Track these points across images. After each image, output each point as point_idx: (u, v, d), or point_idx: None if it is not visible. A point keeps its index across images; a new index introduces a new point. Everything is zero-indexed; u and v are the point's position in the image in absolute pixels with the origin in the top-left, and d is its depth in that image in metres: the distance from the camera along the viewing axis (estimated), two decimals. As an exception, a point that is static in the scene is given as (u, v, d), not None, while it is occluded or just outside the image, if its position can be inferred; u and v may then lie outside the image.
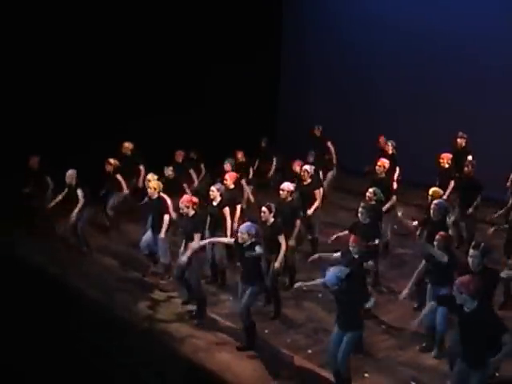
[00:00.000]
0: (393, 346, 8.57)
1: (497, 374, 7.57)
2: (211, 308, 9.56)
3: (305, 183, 11.19)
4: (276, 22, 18.56)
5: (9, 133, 13.64)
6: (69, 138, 14.25)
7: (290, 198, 10.09)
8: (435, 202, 9.50)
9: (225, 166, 12.22)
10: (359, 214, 9.50)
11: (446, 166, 12.16)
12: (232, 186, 10.95)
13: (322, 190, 11.39)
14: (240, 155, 13.79)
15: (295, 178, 11.71)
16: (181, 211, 9.29)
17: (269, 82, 18.36)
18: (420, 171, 13.95)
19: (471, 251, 7.47)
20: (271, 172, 15.12)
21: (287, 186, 10.17)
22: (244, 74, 16.80)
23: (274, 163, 15.13)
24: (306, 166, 11.41)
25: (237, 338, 8.62)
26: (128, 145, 13.51)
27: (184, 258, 9.00)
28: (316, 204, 11.01)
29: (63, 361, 8.09)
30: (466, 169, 11.65)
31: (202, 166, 14.30)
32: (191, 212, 9.20)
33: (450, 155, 12.30)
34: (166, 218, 10.06)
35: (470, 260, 7.46)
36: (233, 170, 12.03)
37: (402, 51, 16.24)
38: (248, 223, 8.40)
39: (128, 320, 9.32)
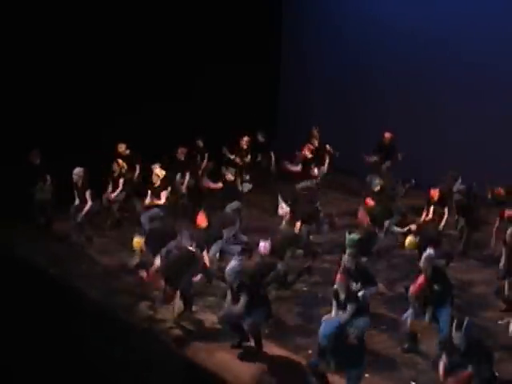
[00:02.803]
0: (393, 345, 8.59)
1: (497, 374, 7.58)
2: (211, 309, 9.58)
3: None
4: (276, 21, 18.55)
5: (8, 133, 13.63)
6: (68, 134, 14.21)
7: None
8: (424, 255, 8.77)
9: (226, 175, 12.32)
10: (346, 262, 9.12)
11: (436, 199, 12.17)
12: (205, 225, 10.74)
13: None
14: (244, 142, 13.98)
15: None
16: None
17: (269, 82, 18.34)
18: (419, 171, 13.96)
19: (454, 333, 7.10)
20: (272, 166, 15.39)
21: (263, 247, 9.57)
22: (244, 74, 16.78)
23: (273, 156, 15.34)
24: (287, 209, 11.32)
25: (237, 338, 8.63)
26: (122, 145, 13.45)
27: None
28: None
29: (63, 361, 8.10)
30: (456, 195, 11.72)
31: (206, 155, 14.57)
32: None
33: (437, 192, 12.27)
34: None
35: (454, 340, 7.12)
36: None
37: (402, 51, 16.21)
38: (234, 263, 8.37)
39: (128, 320, 9.32)
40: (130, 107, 15.00)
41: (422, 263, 8.54)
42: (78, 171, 11.68)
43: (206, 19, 16.45)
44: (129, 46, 15.26)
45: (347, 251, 8.98)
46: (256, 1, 17.34)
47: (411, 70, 16.01)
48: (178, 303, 9.31)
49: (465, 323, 7.03)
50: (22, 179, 12.77)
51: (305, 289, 10.29)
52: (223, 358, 8.27)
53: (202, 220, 10.79)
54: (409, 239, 10.04)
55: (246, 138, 14.42)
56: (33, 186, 12.65)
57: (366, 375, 7.78)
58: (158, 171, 11.63)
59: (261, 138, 15.55)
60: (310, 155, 13.70)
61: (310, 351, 8.39)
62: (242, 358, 8.25)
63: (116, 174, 12.64)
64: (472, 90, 14.86)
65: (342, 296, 8.12)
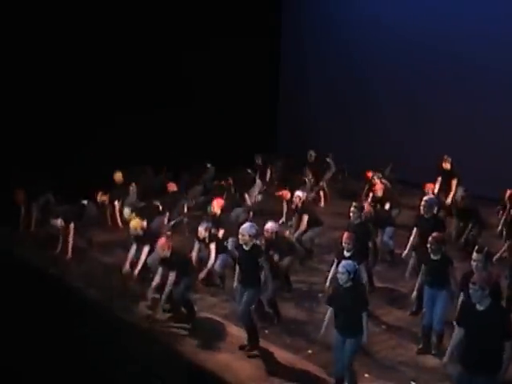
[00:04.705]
0: (393, 345, 8.58)
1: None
2: (211, 308, 9.59)
3: (297, 208, 11.39)
4: (276, 25, 18.59)
5: (7, 135, 13.60)
6: (63, 141, 14.20)
7: (274, 238, 9.84)
8: (425, 198, 9.60)
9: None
10: (351, 214, 9.65)
11: (431, 194, 12.19)
12: (219, 212, 11.05)
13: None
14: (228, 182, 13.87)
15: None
16: (159, 254, 9.28)
17: (269, 86, 18.41)
18: (417, 171, 13.97)
19: (475, 255, 7.50)
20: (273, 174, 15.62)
21: (271, 226, 9.80)
22: (244, 78, 16.83)
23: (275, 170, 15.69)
24: (298, 193, 11.46)
25: (237, 338, 8.62)
26: (119, 175, 13.34)
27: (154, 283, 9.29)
28: (301, 228, 11.14)
29: (62, 361, 8.09)
30: (459, 200, 11.77)
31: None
32: (168, 254, 9.18)
33: (432, 186, 12.42)
34: (145, 249, 10.07)
35: (473, 264, 7.47)
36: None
37: (400, 53, 16.26)
38: (248, 224, 8.42)
39: (128, 320, 9.32)
40: (121, 113, 14.83)
41: (422, 206, 9.34)
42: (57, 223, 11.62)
43: (206, 21, 16.46)
44: (125, 48, 15.17)
45: (353, 205, 9.73)
46: (256, 3, 17.36)
47: (409, 72, 16.07)
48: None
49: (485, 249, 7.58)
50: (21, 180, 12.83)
51: (305, 289, 10.29)
52: (223, 357, 8.27)
53: (219, 204, 11.13)
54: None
55: (230, 181, 14.00)
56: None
57: (366, 375, 7.80)
58: (127, 215, 11.72)
59: (259, 161, 15.62)
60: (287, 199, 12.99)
61: (310, 351, 8.40)
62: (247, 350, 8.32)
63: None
64: (471, 90, 14.89)
65: (347, 254, 8.35)
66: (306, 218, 11.19)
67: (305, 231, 11.21)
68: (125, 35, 14.94)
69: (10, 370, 7.85)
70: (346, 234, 8.66)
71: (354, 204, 9.83)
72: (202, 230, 10.30)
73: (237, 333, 8.71)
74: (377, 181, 13.16)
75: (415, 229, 9.58)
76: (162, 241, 9.33)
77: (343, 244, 8.61)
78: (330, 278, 8.82)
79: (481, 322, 6.22)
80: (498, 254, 10.19)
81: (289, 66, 18.81)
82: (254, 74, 17.20)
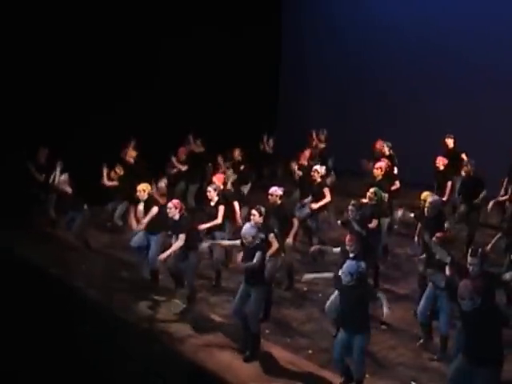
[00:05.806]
0: (393, 345, 8.58)
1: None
2: (212, 308, 9.60)
3: (315, 183, 11.25)
4: (276, 24, 18.58)
5: (6, 133, 13.60)
6: (66, 131, 14.20)
7: (279, 202, 10.03)
8: (429, 199, 9.51)
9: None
10: (349, 212, 9.55)
11: (442, 168, 12.24)
12: (221, 187, 11.00)
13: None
14: (237, 153, 13.87)
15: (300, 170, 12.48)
16: (168, 211, 9.42)
17: (269, 86, 18.41)
18: (418, 172, 13.97)
19: (470, 258, 7.38)
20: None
21: (275, 190, 10.09)
22: (244, 78, 16.83)
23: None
24: (317, 166, 11.42)
25: (237, 338, 8.61)
26: (132, 153, 13.37)
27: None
28: (324, 201, 11.02)
29: (62, 361, 8.09)
30: (465, 168, 11.70)
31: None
32: (177, 216, 9.39)
33: (444, 159, 12.40)
34: (155, 209, 10.10)
35: (469, 267, 7.39)
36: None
37: (401, 53, 16.28)
38: (248, 225, 8.40)
39: (128, 320, 9.32)
40: (129, 112, 14.93)
41: (426, 207, 9.28)
42: (63, 179, 11.65)
43: (206, 21, 16.47)
44: (126, 49, 15.26)
45: (352, 203, 9.54)
46: (256, 3, 17.35)
47: (409, 71, 16.09)
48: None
49: (480, 251, 7.35)
50: (21, 179, 12.84)
51: (305, 289, 10.29)
52: (223, 357, 8.26)
53: (220, 178, 11.13)
54: (425, 193, 10.10)
55: (237, 151, 14.09)
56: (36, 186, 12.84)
57: (366, 375, 7.79)
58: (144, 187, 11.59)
59: (271, 142, 15.77)
60: (305, 163, 13.32)
61: (310, 351, 8.40)
62: (245, 360, 8.21)
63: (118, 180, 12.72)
64: (472, 89, 14.91)
65: (352, 255, 8.23)
66: (328, 191, 11.08)
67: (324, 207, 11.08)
68: (124, 34, 15.09)
69: (8, 369, 7.85)
70: (348, 237, 8.45)
71: (352, 202, 9.69)
72: (211, 190, 10.28)
73: (237, 333, 8.70)
74: (385, 149, 13.13)
75: (418, 228, 9.51)
76: (175, 201, 9.47)
77: (346, 246, 8.39)
78: (319, 276, 8.67)
79: (476, 317, 6.22)
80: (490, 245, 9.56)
81: (289, 65, 18.82)
82: (253, 74, 17.21)
